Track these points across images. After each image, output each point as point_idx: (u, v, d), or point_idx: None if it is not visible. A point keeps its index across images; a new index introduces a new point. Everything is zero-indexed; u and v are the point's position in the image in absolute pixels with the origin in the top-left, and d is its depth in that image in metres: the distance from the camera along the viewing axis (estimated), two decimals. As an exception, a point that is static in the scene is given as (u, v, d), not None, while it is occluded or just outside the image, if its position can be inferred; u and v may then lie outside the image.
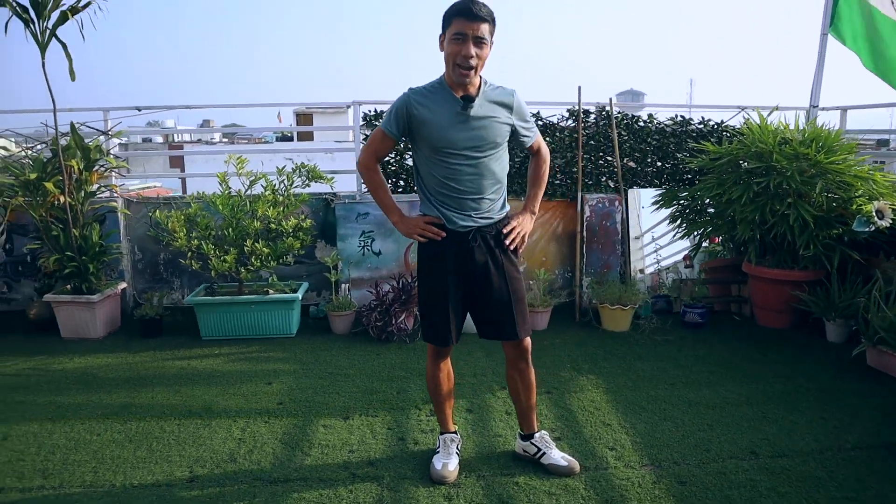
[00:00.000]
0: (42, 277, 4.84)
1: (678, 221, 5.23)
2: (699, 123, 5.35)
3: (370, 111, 5.11)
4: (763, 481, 2.82)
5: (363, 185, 5.17)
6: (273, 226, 4.50)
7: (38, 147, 4.86)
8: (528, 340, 2.84)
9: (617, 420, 3.43)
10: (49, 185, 4.28)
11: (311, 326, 5.00)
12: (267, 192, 4.57)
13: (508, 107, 2.61)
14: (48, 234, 4.52)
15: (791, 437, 3.24)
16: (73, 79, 4.20)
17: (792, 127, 4.78)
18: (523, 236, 2.77)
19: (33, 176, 4.31)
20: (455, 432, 3.02)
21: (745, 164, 4.65)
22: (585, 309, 5.07)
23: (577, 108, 5.10)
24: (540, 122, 5.14)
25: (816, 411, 3.52)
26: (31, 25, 4.11)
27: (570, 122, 5.20)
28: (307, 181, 4.73)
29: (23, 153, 4.79)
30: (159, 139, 22.56)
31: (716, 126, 5.37)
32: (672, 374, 4.04)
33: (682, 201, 5.18)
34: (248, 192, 4.58)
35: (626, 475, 2.88)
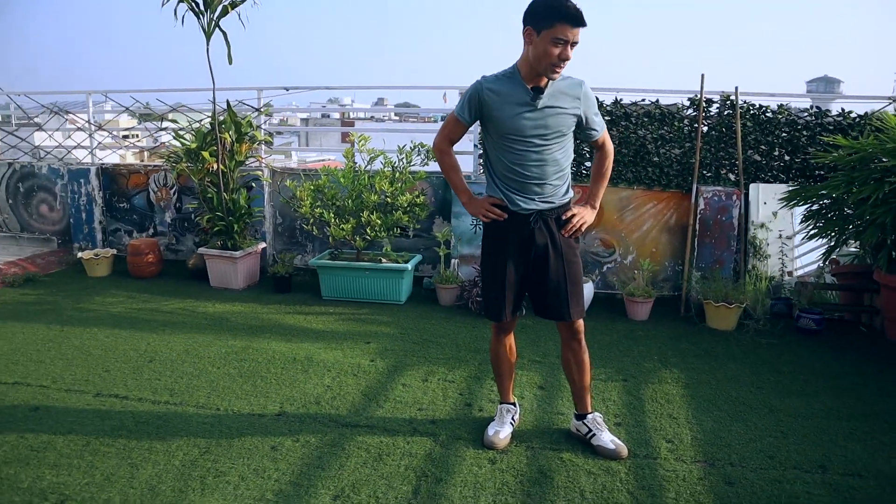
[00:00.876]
0: (200, 233, 5.65)
1: (812, 221, 4.90)
2: (838, 115, 4.93)
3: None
4: (822, 496, 2.71)
5: (479, 166, 5.42)
6: (389, 200, 4.90)
7: (202, 120, 5.64)
8: (581, 322, 2.95)
9: (685, 414, 3.41)
10: (205, 154, 5.00)
11: (422, 296, 5.37)
12: (386, 169, 4.96)
13: (577, 98, 2.70)
14: (204, 196, 5.28)
15: (874, 457, 3.03)
16: (230, 62, 4.84)
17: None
18: (581, 226, 2.86)
19: (194, 145, 5.06)
20: (513, 403, 3.20)
21: (884, 160, 4.26)
22: (692, 304, 4.94)
23: (698, 96, 4.93)
24: (657, 111, 5.04)
25: (918, 436, 3.25)
26: (201, 18, 4.80)
27: (689, 110, 5.03)
28: (426, 160, 5.06)
29: (189, 125, 5.60)
30: (336, 116, 24.35)
31: (858, 119, 4.91)
32: (763, 378, 3.88)
33: (819, 200, 4.83)
34: (370, 167, 5.01)
35: (674, 468, 2.90)
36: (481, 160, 5.42)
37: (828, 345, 4.47)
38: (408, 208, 4.92)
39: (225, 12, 4.76)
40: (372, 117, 23.80)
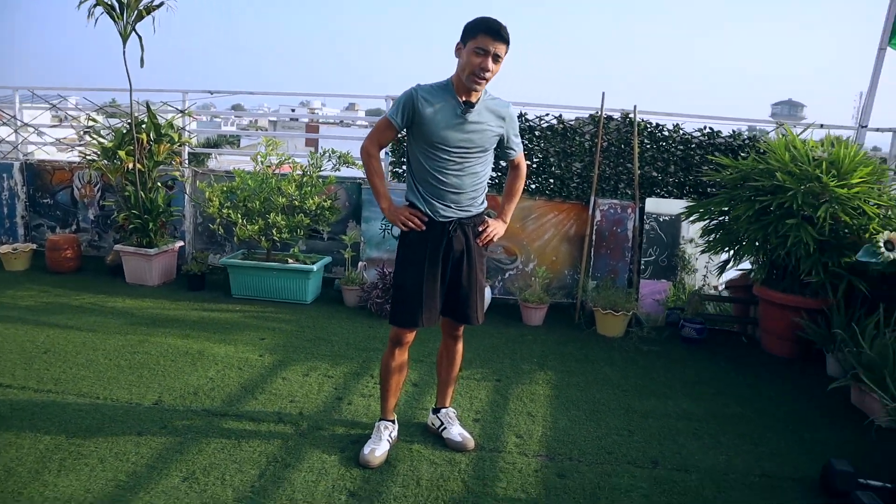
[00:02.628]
0: (119, 230, 5.77)
1: (709, 236, 5.13)
2: (729, 136, 5.20)
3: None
4: (644, 488, 2.91)
5: (390, 173, 5.60)
6: (297, 203, 5.06)
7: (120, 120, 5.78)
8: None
9: (542, 413, 3.60)
10: (122, 153, 5.14)
11: (331, 297, 5.53)
12: (294, 173, 5.13)
13: (502, 118, 2.84)
14: (122, 194, 5.41)
15: (706, 455, 3.25)
16: (142, 66, 4.98)
17: (824, 147, 4.56)
18: (493, 237, 2.98)
19: (111, 144, 5.20)
20: (393, 421, 3.17)
21: (757, 180, 4.51)
22: (585, 311, 5.15)
23: (598, 113, 5.17)
24: (560, 126, 5.27)
25: (754, 438, 3.46)
26: (117, 21, 4.95)
27: (590, 126, 5.27)
28: (337, 165, 5.24)
29: (107, 124, 5.74)
30: (306, 120, 24.50)
31: (748, 140, 5.19)
32: (631, 382, 4.10)
33: (713, 216, 5.06)
34: (278, 171, 5.18)
35: (514, 461, 3.08)
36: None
37: (704, 353, 4.70)
38: (316, 211, 5.08)
39: (140, 17, 4.91)
40: (341, 122, 24.07)
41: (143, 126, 5.32)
